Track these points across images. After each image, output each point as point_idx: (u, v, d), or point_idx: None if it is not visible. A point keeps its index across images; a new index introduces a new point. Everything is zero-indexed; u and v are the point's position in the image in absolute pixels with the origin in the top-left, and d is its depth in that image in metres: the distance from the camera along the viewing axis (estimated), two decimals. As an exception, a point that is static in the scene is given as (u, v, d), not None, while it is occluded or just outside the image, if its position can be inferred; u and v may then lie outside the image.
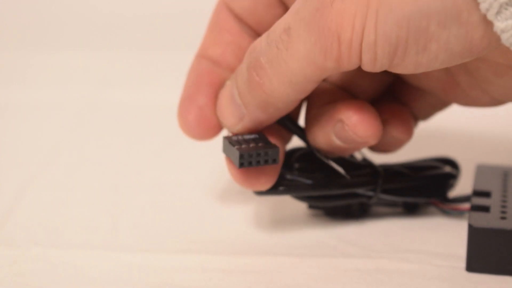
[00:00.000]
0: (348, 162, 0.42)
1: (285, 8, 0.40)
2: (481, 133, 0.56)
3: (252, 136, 0.38)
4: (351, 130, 0.37)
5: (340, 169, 0.41)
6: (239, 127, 0.38)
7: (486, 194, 0.41)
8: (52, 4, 0.85)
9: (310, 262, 0.39)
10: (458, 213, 0.43)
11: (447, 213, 0.43)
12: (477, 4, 0.31)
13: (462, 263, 0.39)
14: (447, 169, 0.44)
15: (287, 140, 0.41)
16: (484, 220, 0.38)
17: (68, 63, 0.74)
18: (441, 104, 0.42)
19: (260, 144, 0.38)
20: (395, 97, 0.42)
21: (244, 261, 0.40)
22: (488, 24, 0.31)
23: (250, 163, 0.37)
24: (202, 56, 0.41)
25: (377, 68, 0.33)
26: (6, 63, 0.75)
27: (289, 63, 0.34)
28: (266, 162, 0.38)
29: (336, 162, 0.41)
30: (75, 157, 0.54)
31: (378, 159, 0.44)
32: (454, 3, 0.31)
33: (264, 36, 0.36)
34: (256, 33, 0.41)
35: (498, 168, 0.44)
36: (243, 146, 0.37)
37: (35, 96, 0.65)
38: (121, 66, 0.73)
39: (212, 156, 0.52)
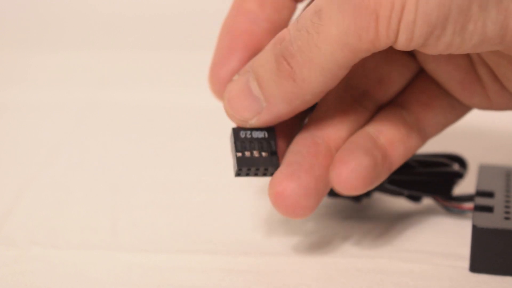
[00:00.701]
0: None
1: None
2: (484, 132, 0.56)
3: (261, 135, 0.37)
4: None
5: None
6: (253, 121, 0.36)
7: (489, 194, 0.41)
8: (52, 4, 0.85)
9: (310, 262, 0.39)
10: (460, 212, 0.43)
11: (448, 210, 0.43)
12: None
13: (463, 263, 0.39)
14: (456, 167, 0.44)
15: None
16: (488, 221, 0.38)
17: (68, 63, 0.74)
18: (452, 113, 0.40)
19: (263, 154, 0.37)
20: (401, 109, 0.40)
21: (244, 261, 0.39)
22: None
23: (247, 175, 0.37)
24: (237, 10, 0.39)
25: (410, 47, 0.33)
26: (6, 63, 0.75)
27: (321, 48, 0.33)
28: (264, 175, 0.37)
29: None
30: (75, 157, 0.54)
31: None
32: None
33: (292, 24, 0.34)
34: None
35: (501, 168, 0.44)
36: (246, 152, 0.37)
37: (35, 96, 0.65)
38: (121, 66, 0.73)
39: (212, 156, 0.52)
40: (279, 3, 0.39)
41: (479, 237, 0.38)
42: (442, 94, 0.39)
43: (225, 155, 0.45)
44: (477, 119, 0.53)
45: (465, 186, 0.44)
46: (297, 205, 0.36)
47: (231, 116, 0.37)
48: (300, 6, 0.41)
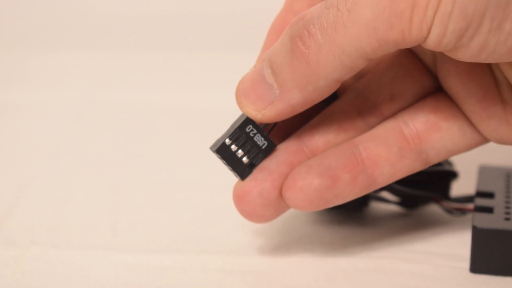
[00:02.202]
0: None
1: None
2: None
3: (260, 143, 0.36)
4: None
5: None
6: (266, 111, 0.35)
7: (489, 195, 0.41)
8: (52, 4, 0.85)
9: (310, 262, 0.39)
10: (460, 213, 0.43)
11: (449, 212, 0.43)
12: None
13: (463, 263, 0.39)
14: (447, 166, 0.44)
15: None
16: (488, 221, 0.38)
17: (68, 63, 0.74)
18: (461, 139, 0.38)
19: (244, 159, 0.36)
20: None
21: (244, 261, 0.39)
22: None
23: (219, 158, 0.37)
24: (287, 10, 0.39)
25: (441, 47, 0.31)
26: (6, 63, 0.75)
27: (348, 28, 0.32)
28: (231, 171, 0.37)
29: None
30: (75, 157, 0.54)
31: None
32: None
33: (318, 4, 0.33)
34: None
35: (501, 169, 0.44)
36: (233, 145, 0.36)
37: (35, 96, 0.65)
38: (121, 66, 0.73)
39: (212, 156, 0.51)
40: None
41: (479, 237, 0.38)
42: (454, 116, 0.37)
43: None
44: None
45: (465, 187, 0.44)
46: (254, 212, 0.36)
47: (243, 106, 0.36)
48: None
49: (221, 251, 0.40)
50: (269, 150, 0.37)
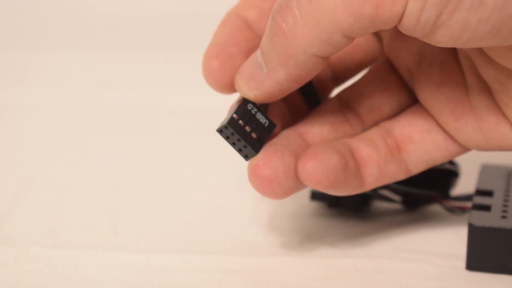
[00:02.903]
0: None
1: None
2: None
3: (263, 121, 0.36)
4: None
5: None
6: (257, 91, 0.36)
7: (488, 193, 0.41)
8: (52, 4, 0.85)
9: (310, 262, 0.39)
10: (461, 212, 0.43)
11: (449, 210, 0.43)
12: None
13: (462, 263, 0.39)
14: (448, 166, 0.44)
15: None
16: (484, 219, 0.38)
17: (68, 63, 0.74)
18: (436, 151, 0.38)
19: (253, 134, 0.36)
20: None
21: (244, 261, 0.39)
22: None
23: (227, 138, 0.36)
24: (237, 14, 0.39)
25: (419, 26, 0.30)
26: (6, 63, 0.75)
27: (323, 1, 0.31)
28: (239, 151, 0.36)
29: None
30: (75, 157, 0.54)
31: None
32: None
33: None
34: None
35: (502, 168, 0.44)
36: (241, 121, 0.36)
37: (35, 96, 0.65)
38: (121, 66, 0.73)
39: (212, 156, 0.52)
40: None
41: (475, 235, 0.38)
42: (427, 130, 0.38)
43: (225, 155, 0.45)
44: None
45: (468, 186, 0.44)
46: (276, 180, 0.35)
47: (239, 87, 0.36)
48: None
49: (221, 251, 0.40)
50: (271, 128, 0.37)
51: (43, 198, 0.47)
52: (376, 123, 0.39)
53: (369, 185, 0.38)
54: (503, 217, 0.38)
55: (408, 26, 0.31)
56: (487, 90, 0.36)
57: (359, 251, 0.40)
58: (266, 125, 0.37)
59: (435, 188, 0.43)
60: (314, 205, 0.44)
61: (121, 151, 0.55)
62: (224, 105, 0.55)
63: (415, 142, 0.38)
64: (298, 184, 0.36)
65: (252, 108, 0.37)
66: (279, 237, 0.42)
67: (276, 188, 0.36)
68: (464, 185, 0.45)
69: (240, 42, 0.38)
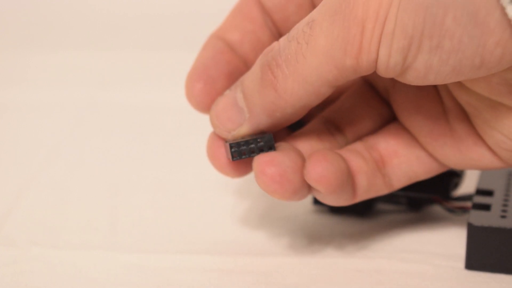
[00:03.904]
0: None
1: None
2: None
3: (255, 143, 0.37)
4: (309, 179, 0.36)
5: None
6: (235, 133, 0.37)
7: (488, 193, 0.41)
8: (53, 4, 0.85)
9: (310, 262, 0.39)
10: (462, 211, 0.43)
11: (450, 211, 0.43)
12: (497, 4, 0.30)
13: (462, 263, 0.39)
14: None
15: None
16: (484, 219, 0.38)
17: (68, 63, 0.74)
18: (420, 166, 0.39)
19: (257, 145, 0.37)
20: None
21: (244, 261, 0.39)
22: (505, 30, 0.31)
23: (244, 154, 0.36)
24: (219, 37, 0.40)
25: (391, 69, 0.33)
26: (6, 63, 0.75)
27: (308, 59, 0.33)
28: (261, 150, 0.36)
29: None
30: (74, 157, 0.54)
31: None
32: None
33: (284, 36, 0.35)
34: (278, 31, 0.40)
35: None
36: (239, 142, 0.36)
37: (35, 96, 0.65)
38: (121, 66, 0.73)
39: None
40: (258, 42, 0.40)
41: (475, 234, 0.38)
42: (410, 145, 0.39)
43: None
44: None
45: (470, 187, 0.44)
46: (284, 176, 0.35)
47: (215, 126, 0.38)
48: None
49: (221, 251, 0.40)
50: (270, 138, 0.37)
51: (43, 198, 0.47)
52: (359, 138, 0.40)
53: (359, 196, 0.38)
54: (503, 216, 0.38)
55: (382, 70, 0.33)
56: (463, 113, 0.37)
57: (359, 251, 0.40)
58: (263, 136, 0.37)
59: (435, 189, 0.43)
60: (314, 206, 0.44)
61: (120, 151, 0.55)
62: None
63: (400, 156, 0.39)
64: (303, 185, 0.36)
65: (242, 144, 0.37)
66: (279, 238, 0.42)
67: (285, 183, 0.36)
68: (465, 185, 0.45)
69: (221, 65, 0.39)
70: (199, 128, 0.58)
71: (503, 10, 0.30)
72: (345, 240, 0.42)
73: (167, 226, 0.43)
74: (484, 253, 0.38)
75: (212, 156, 0.39)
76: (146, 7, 0.86)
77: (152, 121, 0.60)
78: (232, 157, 0.36)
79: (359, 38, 0.32)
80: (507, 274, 0.38)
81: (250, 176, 0.42)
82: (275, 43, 0.35)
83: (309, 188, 0.36)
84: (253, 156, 0.36)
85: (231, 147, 0.36)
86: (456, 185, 0.44)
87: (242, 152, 0.36)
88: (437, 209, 0.44)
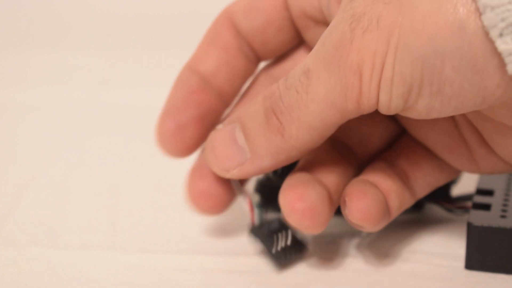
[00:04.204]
0: None
1: (295, 34, 0.40)
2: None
3: (276, 225, 0.39)
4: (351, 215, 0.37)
5: None
6: (235, 171, 0.37)
7: (489, 193, 0.41)
8: (52, 4, 0.85)
9: (310, 262, 0.39)
10: (462, 211, 0.43)
11: (450, 211, 0.43)
12: (495, 52, 0.30)
13: (462, 263, 0.39)
14: None
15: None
16: (483, 218, 0.38)
17: (68, 63, 0.74)
18: (441, 175, 0.40)
19: (288, 242, 0.39)
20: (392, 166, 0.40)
21: (244, 261, 0.39)
22: (504, 73, 0.30)
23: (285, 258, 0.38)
24: (192, 70, 0.40)
25: (392, 110, 0.33)
26: (6, 63, 0.75)
27: (310, 107, 0.33)
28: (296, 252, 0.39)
29: None
30: (74, 157, 0.54)
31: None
32: (470, 49, 0.30)
33: (282, 80, 0.35)
34: (255, 55, 0.40)
35: None
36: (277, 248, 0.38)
37: (35, 96, 0.65)
38: (121, 66, 0.73)
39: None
40: (233, 72, 0.40)
41: (474, 234, 0.38)
42: (429, 156, 0.39)
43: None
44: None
45: (470, 186, 0.44)
46: (315, 210, 0.36)
47: (212, 164, 0.37)
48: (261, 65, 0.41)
49: (221, 251, 0.40)
50: (284, 223, 0.39)
51: (43, 198, 0.47)
52: (370, 156, 0.40)
53: (392, 217, 0.38)
54: (503, 216, 0.38)
55: (384, 111, 0.33)
56: (473, 126, 0.37)
57: (359, 251, 0.40)
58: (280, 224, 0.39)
59: (436, 192, 0.43)
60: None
61: (120, 151, 0.55)
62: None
63: (423, 169, 0.39)
64: (331, 215, 0.37)
65: (264, 227, 0.39)
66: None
67: (316, 217, 0.36)
68: (465, 185, 0.44)
69: (193, 107, 0.39)
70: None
71: (500, 56, 0.30)
72: (345, 240, 0.41)
73: (167, 226, 0.43)
74: (484, 253, 0.38)
75: (194, 198, 0.39)
76: (146, 7, 0.86)
77: (152, 121, 0.60)
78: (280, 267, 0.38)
79: (358, 85, 0.32)
80: (507, 274, 0.38)
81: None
82: (275, 88, 0.35)
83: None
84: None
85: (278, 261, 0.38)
86: (454, 181, 0.44)
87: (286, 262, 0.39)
88: (437, 209, 0.44)
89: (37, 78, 0.71)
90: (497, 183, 0.42)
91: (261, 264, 0.39)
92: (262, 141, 0.35)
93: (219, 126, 0.37)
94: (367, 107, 0.33)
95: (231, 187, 0.39)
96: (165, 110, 0.40)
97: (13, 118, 0.62)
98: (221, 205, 0.39)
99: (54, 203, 0.46)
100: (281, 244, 0.38)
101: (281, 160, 0.36)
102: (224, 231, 0.43)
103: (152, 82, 0.70)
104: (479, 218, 0.38)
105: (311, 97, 0.33)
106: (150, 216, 0.45)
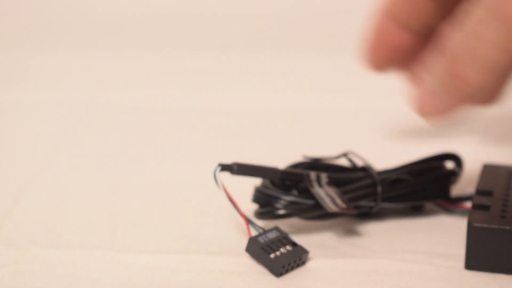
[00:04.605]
0: (346, 175, 0.42)
1: None
2: (492, 133, 0.56)
3: (275, 235, 0.40)
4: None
5: (329, 204, 0.41)
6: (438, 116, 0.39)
7: (488, 193, 0.41)
8: (53, 4, 0.85)
9: (310, 263, 0.39)
10: (462, 212, 0.43)
11: (450, 211, 0.43)
12: None
13: (462, 263, 0.39)
14: (449, 165, 0.44)
15: None
16: (483, 219, 0.38)
17: (68, 63, 0.74)
18: None
19: (288, 248, 0.39)
20: None
21: (244, 261, 0.39)
22: None
23: (286, 271, 0.38)
24: (384, 14, 0.44)
25: None
26: (6, 63, 0.75)
27: (486, 54, 0.35)
28: (298, 265, 0.39)
29: (336, 172, 0.43)
30: (74, 157, 0.54)
31: (379, 164, 0.44)
32: None
33: (457, 32, 0.37)
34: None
35: (504, 167, 0.44)
36: (276, 253, 0.39)
37: (35, 96, 0.65)
38: (121, 66, 0.73)
39: (212, 156, 0.51)
40: (425, 18, 0.43)
41: (474, 235, 0.38)
42: None
43: (224, 155, 0.45)
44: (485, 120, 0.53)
45: (471, 186, 0.44)
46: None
47: (423, 114, 0.39)
48: None
49: (221, 251, 0.40)
50: (282, 231, 0.40)
51: (43, 198, 0.47)
52: None
53: None
54: (502, 216, 0.38)
55: None
56: None
57: (359, 252, 0.40)
58: (279, 234, 0.40)
59: (436, 193, 0.43)
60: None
61: (120, 151, 0.55)
62: (223, 106, 0.55)
63: None
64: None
65: (262, 237, 0.40)
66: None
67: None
68: (465, 185, 0.45)
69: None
70: (199, 128, 0.59)
71: None
72: (344, 240, 0.41)
73: (167, 226, 0.43)
74: (484, 253, 0.38)
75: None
76: (146, 7, 0.86)
77: (152, 121, 0.60)
78: (279, 275, 0.38)
79: None
80: (507, 274, 0.38)
81: (250, 178, 0.42)
82: (452, 36, 0.37)
83: None
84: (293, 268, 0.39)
85: (276, 268, 0.38)
86: (453, 182, 0.44)
87: (286, 269, 0.39)
88: (437, 209, 0.44)
89: (37, 78, 0.71)
90: (497, 184, 0.42)
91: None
92: (450, 88, 0.37)
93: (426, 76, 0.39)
94: None
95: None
96: (371, 39, 0.44)
97: (13, 118, 0.62)
98: None
99: (54, 203, 0.46)
100: (281, 251, 0.39)
101: (471, 101, 0.37)
102: (223, 231, 0.43)
103: (152, 82, 0.70)
104: (478, 218, 0.38)
105: (486, 44, 0.35)
106: (149, 216, 0.45)
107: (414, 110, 0.39)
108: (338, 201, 0.40)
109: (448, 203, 0.43)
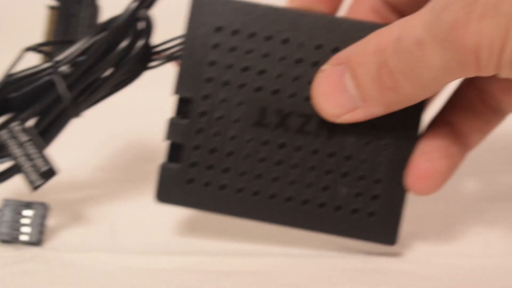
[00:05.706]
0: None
1: None
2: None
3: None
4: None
5: None
6: (346, 117, 0.38)
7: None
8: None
9: (309, 262, 0.39)
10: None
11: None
12: None
13: (462, 263, 0.39)
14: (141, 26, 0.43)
15: None
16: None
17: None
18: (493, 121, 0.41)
19: None
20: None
21: (244, 261, 0.40)
22: None
23: None
24: None
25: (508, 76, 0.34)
26: (6, 63, 0.75)
27: (424, 74, 0.35)
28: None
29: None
30: (74, 157, 0.54)
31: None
32: None
33: (392, 42, 0.35)
34: None
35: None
36: None
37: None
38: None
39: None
40: None
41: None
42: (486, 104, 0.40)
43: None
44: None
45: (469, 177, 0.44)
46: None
47: (321, 110, 0.38)
48: None
49: (221, 252, 0.40)
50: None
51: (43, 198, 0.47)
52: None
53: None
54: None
55: (504, 77, 0.35)
56: None
57: (358, 251, 0.40)
58: None
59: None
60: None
61: (120, 151, 0.55)
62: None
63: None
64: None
65: None
66: (279, 238, 0.42)
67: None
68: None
69: None
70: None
71: None
72: (345, 240, 0.42)
73: (167, 227, 0.43)
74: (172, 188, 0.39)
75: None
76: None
77: (151, 121, 0.60)
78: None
79: (475, 63, 0.34)
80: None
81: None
82: (387, 43, 0.36)
83: None
84: None
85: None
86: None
87: None
88: (437, 209, 0.44)
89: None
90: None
91: (261, 264, 0.39)
92: (375, 93, 0.36)
93: (326, 66, 0.38)
94: (485, 75, 0.34)
95: None
96: None
97: (13, 118, 0.61)
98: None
99: (54, 203, 0.46)
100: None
101: (394, 109, 0.37)
102: (223, 231, 0.43)
103: (152, 82, 0.70)
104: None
105: (426, 65, 0.34)
106: (149, 217, 0.45)
107: (314, 95, 0.38)
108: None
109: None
